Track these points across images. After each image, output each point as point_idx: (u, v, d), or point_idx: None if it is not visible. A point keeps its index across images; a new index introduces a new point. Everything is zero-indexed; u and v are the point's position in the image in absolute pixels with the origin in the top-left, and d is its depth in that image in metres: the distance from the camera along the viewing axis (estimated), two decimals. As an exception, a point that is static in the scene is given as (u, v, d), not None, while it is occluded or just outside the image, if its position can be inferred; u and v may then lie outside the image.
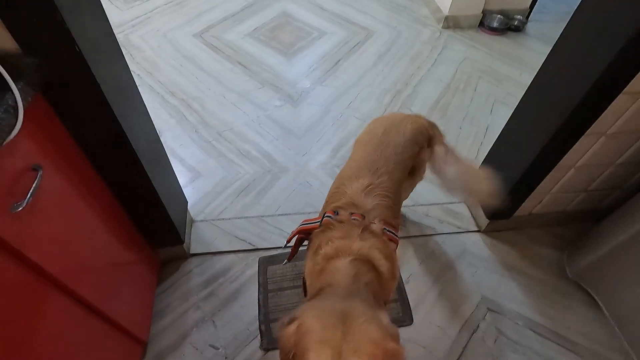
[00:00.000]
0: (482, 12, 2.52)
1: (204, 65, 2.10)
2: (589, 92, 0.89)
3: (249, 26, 2.42)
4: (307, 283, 0.79)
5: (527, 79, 2.13)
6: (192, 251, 1.32)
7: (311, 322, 0.57)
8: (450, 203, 1.52)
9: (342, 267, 0.69)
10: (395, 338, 0.58)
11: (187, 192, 1.48)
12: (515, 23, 2.57)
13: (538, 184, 1.19)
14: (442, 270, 1.34)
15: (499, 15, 2.53)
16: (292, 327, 0.58)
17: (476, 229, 1.44)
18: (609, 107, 0.94)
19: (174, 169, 1.26)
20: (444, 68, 2.19)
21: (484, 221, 1.40)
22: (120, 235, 1.01)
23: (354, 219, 0.78)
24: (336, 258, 0.71)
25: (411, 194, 1.53)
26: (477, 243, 1.41)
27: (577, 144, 1.05)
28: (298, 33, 2.40)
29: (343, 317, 0.56)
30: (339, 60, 2.19)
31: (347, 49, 2.29)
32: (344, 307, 0.59)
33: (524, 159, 1.13)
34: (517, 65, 2.27)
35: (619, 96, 0.91)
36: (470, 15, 2.50)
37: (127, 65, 0.97)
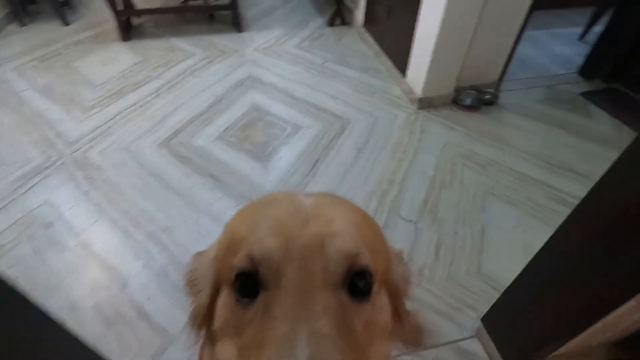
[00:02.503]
0: (454, 89, 2.51)
1: (173, 183, 1.93)
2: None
3: (218, 127, 2.30)
4: None
5: (510, 161, 2.10)
6: None
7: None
8: (462, 340, 1.36)
9: None
10: None
11: (159, 367, 1.26)
12: (488, 97, 2.57)
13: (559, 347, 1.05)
14: None
15: (471, 91, 2.53)
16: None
17: (495, 373, 1.27)
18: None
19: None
20: (426, 158, 2.11)
21: (502, 363, 1.24)
22: None
23: None
24: None
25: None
26: (499, 394, 1.24)
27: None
28: (271, 130, 2.29)
29: None
30: (317, 161, 2.08)
31: (324, 145, 2.19)
32: None
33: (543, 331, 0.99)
34: (498, 145, 2.22)
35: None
36: (443, 95, 2.48)
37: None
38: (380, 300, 0.36)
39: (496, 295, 1.30)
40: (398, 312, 0.40)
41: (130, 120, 2.34)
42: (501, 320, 1.24)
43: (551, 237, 0.97)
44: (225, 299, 0.35)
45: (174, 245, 1.64)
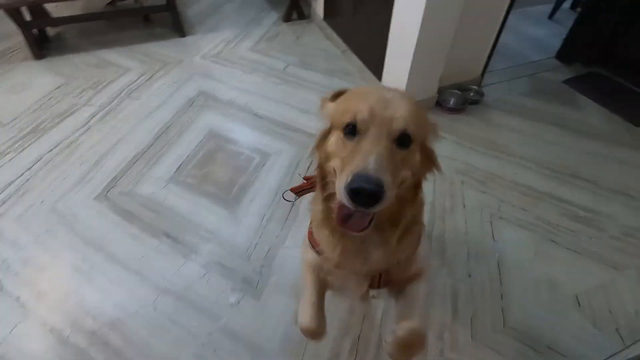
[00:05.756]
0: (437, 91, 2.24)
1: (117, 252, 1.52)
2: None
3: (169, 166, 1.88)
4: None
5: (510, 171, 1.88)
6: None
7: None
8: None
9: None
10: None
11: None
12: (472, 95, 2.34)
13: None
14: None
15: (455, 91, 2.28)
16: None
17: None
18: None
19: None
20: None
21: None
22: None
23: None
24: None
25: None
26: None
27: None
28: (235, 162, 1.91)
29: None
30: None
31: (302, 174, 1.84)
32: None
33: None
34: (492, 152, 2.00)
35: None
36: (427, 98, 2.21)
37: None
38: (415, 152, 0.66)
39: (531, 355, 1.10)
40: (430, 157, 0.71)
41: (54, 168, 1.86)
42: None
43: None
44: (336, 137, 0.67)
45: (126, 344, 1.26)
